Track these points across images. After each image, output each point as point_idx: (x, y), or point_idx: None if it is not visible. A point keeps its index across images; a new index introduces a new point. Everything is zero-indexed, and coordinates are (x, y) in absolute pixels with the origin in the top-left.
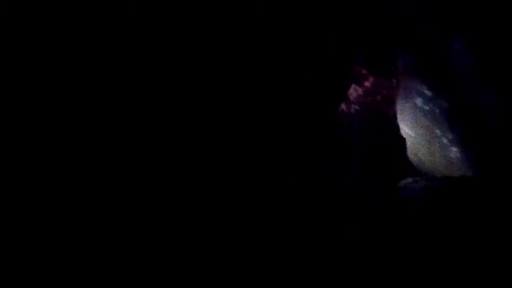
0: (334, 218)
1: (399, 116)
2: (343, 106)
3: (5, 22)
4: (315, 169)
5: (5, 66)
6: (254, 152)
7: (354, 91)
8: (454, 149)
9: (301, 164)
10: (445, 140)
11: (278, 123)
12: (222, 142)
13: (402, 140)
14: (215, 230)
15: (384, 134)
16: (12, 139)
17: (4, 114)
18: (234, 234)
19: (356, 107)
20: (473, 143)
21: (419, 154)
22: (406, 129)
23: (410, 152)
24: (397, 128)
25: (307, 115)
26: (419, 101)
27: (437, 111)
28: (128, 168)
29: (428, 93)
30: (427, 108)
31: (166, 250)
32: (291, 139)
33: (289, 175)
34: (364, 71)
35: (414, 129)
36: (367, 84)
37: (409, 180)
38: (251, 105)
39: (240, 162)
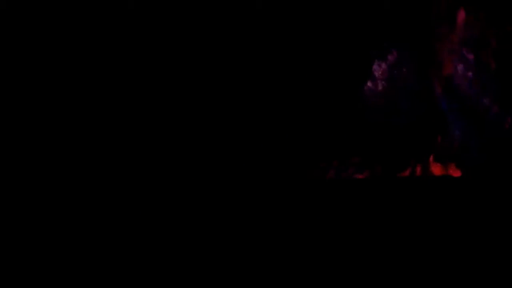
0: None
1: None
2: (368, 84)
3: (5, 22)
4: (338, 156)
5: (5, 66)
6: (273, 137)
7: (378, 67)
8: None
9: (324, 150)
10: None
11: (300, 108)
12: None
13: (440, 114)
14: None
15: (415, 109)
16: (12, 139)
17: (4, 114)
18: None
19: (383, 83)
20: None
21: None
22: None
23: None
24: (431, 102)
25: (330, 98)
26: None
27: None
28: (128, 167)
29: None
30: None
31: (170, 250)
32: (314, 124)
33: (312, 162)
34: (386, 44)
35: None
36: (390, 57)
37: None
38: (270, 88)
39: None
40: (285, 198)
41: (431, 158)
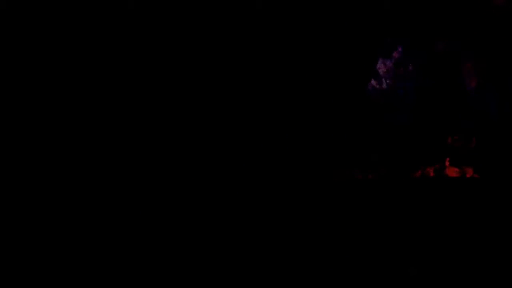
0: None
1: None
2: (372, 83)
3: (5, 22)
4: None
5: (5, 66)
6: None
7: (382, 65)
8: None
9: (328, 151)
10: None
11: (301, 110)
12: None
13: (450, 112)
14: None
15: (423, 108)
16: (12, 139)
17: (4, 114)
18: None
19: (388, 81)
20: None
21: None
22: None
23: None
24: (440, 99)
25: (334, 97)
26: None
27: None
28: (129, 168)
29: None
30: None
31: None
32: (318, 124)
33: (314, 167)
34: (390, 40)
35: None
36: (395, 54)
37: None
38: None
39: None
40: (290, 200)
41: (447, 162)
